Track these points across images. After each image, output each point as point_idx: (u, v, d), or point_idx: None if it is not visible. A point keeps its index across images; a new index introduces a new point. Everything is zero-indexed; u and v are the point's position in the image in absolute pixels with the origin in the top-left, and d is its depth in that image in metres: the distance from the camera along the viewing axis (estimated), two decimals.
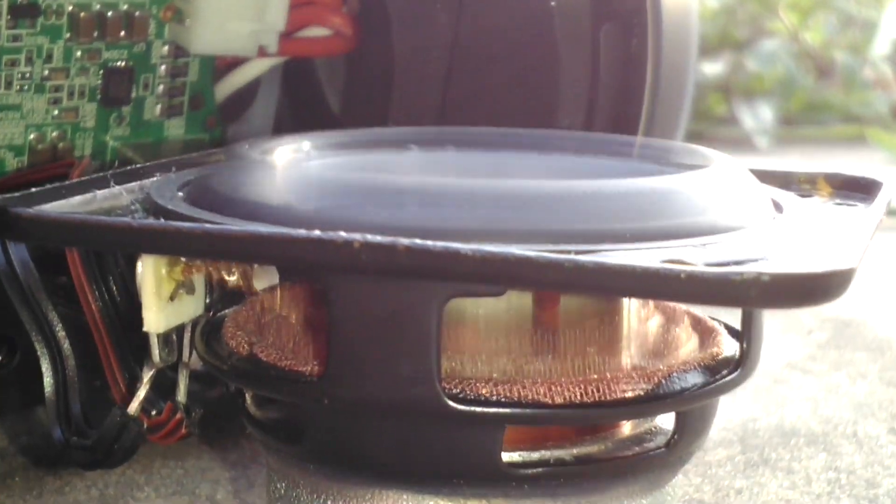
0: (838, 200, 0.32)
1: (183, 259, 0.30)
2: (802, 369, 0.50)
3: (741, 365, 0.30)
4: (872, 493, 0.38)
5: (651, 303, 0.32)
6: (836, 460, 0.41)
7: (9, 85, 0.36)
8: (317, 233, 0.26)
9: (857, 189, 0.33)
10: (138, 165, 0.34)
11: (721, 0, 1.25)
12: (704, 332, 0.31)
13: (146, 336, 0.31)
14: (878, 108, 1.13)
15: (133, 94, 0.39)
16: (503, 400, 0.28)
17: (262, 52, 0.40)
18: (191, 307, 0.31)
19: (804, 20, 1.24)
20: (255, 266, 0.30)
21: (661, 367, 0.29)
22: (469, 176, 0.31)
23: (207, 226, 0.28)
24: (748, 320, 0.30)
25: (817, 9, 1.27)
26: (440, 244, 0.25)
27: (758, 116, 1.12)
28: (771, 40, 1.21)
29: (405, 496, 0.28)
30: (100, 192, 0.31)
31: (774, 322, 0.49)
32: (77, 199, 0.30)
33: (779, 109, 1.14)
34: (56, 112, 0.37)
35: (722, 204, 0.29)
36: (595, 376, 0.28)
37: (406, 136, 0.34)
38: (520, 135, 0.36)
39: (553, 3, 0.40)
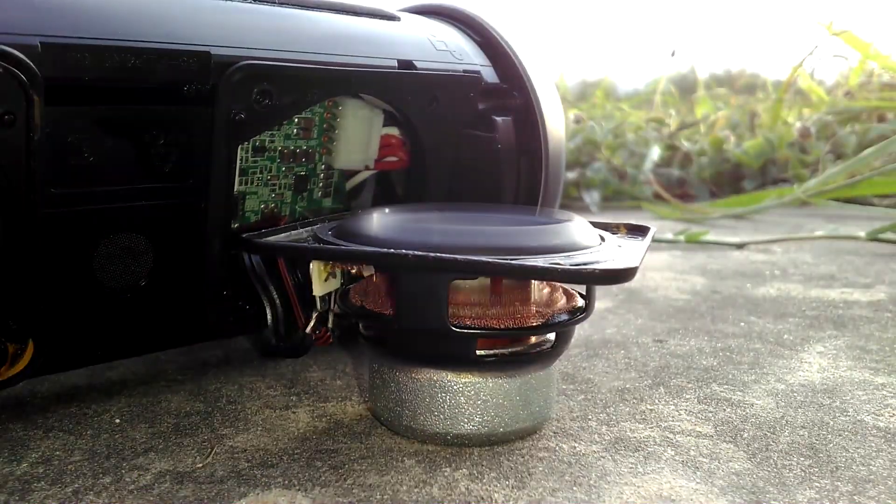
0: (630, 236, 0.33)
1: (331, 261, 0.30)
2: (613, 312, 0.50)
3: (586, 311, 0.30)
4: (645, 369, 0.39)
5: (545, 282, 0.31)
6: (629, 353, 0.41)
7: (252, 182, 0.36)
8: (392, 250, 0.27)
9: (638, 231, 0.34)
10: (310, 219, 0.35)
11: (574, 144, 1.25)
12: (569, 296, 0.32)
13: (313, 297, 0.31)
14: (647, 194, 1.14)
15: (308, 187, 0.39)
16: (476, 326, 0.28)
17: (367, 168, 0.40)
18: (334, 284, 0.31)
19: (613, 153, 1.24)
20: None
21: (549, 311, 0.30)
22: (462, 223, 0.31)
23: (342, 248, 0.28)
24: (589, 290, 0.31)
25: (619, 148, 1.27)
26: (448, 255, 0.26)
27: (591, 196, 1.12)
28: (597, 163, 1.21)
29: (431, 370, 0.28)
30: (293, 232, 0.32)
31: (600, 291, 0.49)
32: (283, 235, 0.32)
33: (601, 193, 1.14)
34: (273, 195, 0.37)
35: (576, 237, 0.30)
36: (518, 315, 0.29)
37: (432, 206, 0.34)
38: (483, 205, 0.36)
39: (499, 146, 0.40)
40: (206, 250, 0.32)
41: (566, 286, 0.32)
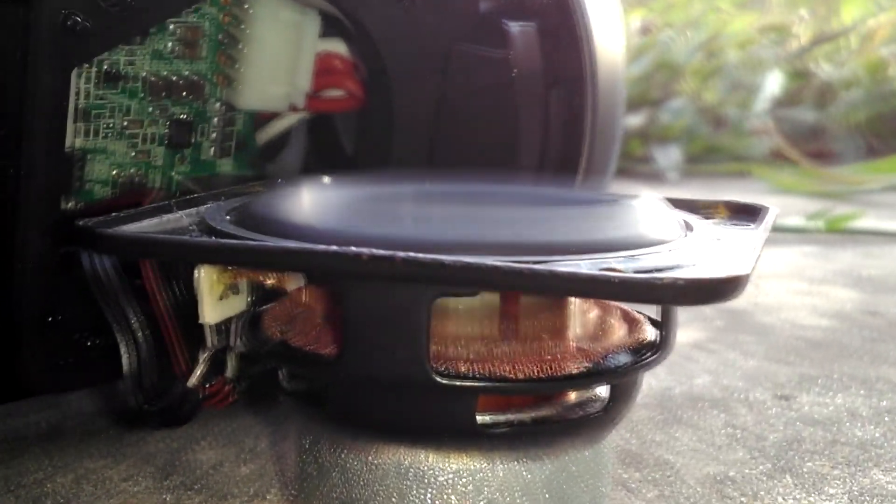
0: (733, 222, 0.33)
1: (230, 267, 0.30)
2: (705, 349, 0.50)
3: (660, 348, 0.30)
4: (761, 445, 0.39)
5: (591, 300, 0.31)
6: (733, 419, 0.41)
7: (97, 133, 0.36)
8: (334, 248, 0.26)
9: (748, 213, 0.34)
10: (196, 195, 0.34)
11: (640, 68, 1.25)
12: (631, 322, 0.32)
13: (202, 326, 0.31)
14: (759, 150, 1.14)
15: (193, 140, 0.39)
16: (477, 375, 0.27)
17: (293, 108, 0.40)
18: (237, 304, 0.31)
19: (703, 84, 1.24)
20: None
21: (599, 349, 0.29)
22: (449, 204, 0.31)
23: (248, 243, 0.28)
24: (666, 314, 0.30)
25: (713, 75, 1.27)
26: (429, 256, 0.25)
27: (668, 156, 1.12)
28: (678, 99, 1.21)
29: (401, 450, 0.28)
30: (166, 216, 0.31)
31: (683, 312, 0.49)
32: (148, 221, 0.30)
33: (684, 151, 1.14)
34: (133, 154, 0.37)
35: (645, 225, 0.29)
36: (548, 357, 0.28)
37: (402, 176, 0.34)
38: (488, 175, 0.35)
39: (514, 73, 0.40)
40: (19, 247, 0.32)
41: (627, 307, 0.32)
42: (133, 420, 0.39)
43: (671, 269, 0.26)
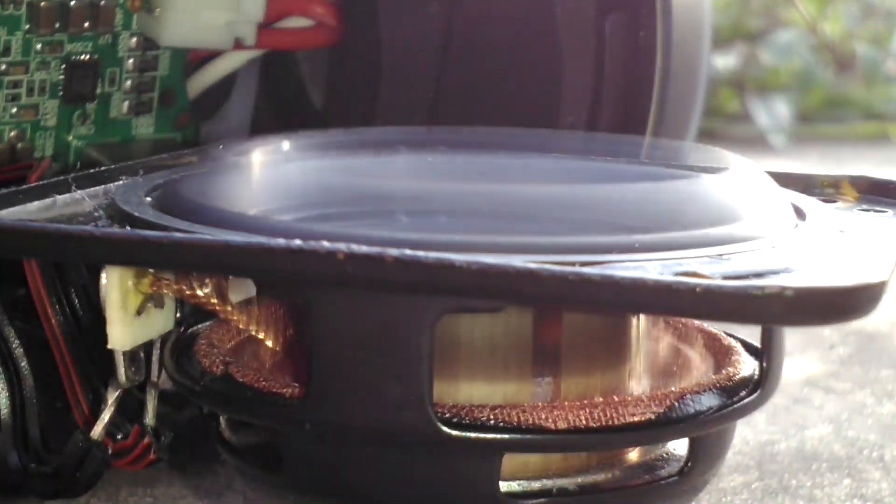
0: (864, 206, 0.33)
1: (151, 271, 0.29)
2: (824, 388, 0.49)
3: (761, 386, 0.30)
4: None
5: (662, 319, 0.31)
6: (862, 487, 0.40)
7: None
8: (297, 242, 0.25)
9: (886, 194, 0.33)
10: (103, 168, 0.35)
11: None
12: (720, 351, 0.31)
13: (111, 354, 0.30)
14: None
15: (98, 90, 0.40)
16: (501, 425, 0.27)
17: (239, 45, 0.42)
18: (160, 322, 0.31)
19: (822, 10, 1.23)
20: (230, 279, 0.30)
21: (673, 388, 0.29)
22: (463, 181, 0.31)
23: (177, 235, 0.27)
24: (769, 337, 0.30)
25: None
26: (433, 255, 0.24)
27: (773, 113, 1.11)
28: (787, 31, 1.20)
29: None
30: (60, 198, 0.31)
31: (793, 335, 0.48)
32: (35, 204, 0.30)
33: (796, 105, 1.13)
34: (14, 110, 0.38)
35: (740, 211, 0.29)
36: (601, 399, 0.28)
37: (395, 137, 0.33)
38: (518, 135, 0.35)
39: None
40: None
41: (713, 328, 0.32)
42: (14, 487, 0.38)
43: (776, 273, 0.25)
